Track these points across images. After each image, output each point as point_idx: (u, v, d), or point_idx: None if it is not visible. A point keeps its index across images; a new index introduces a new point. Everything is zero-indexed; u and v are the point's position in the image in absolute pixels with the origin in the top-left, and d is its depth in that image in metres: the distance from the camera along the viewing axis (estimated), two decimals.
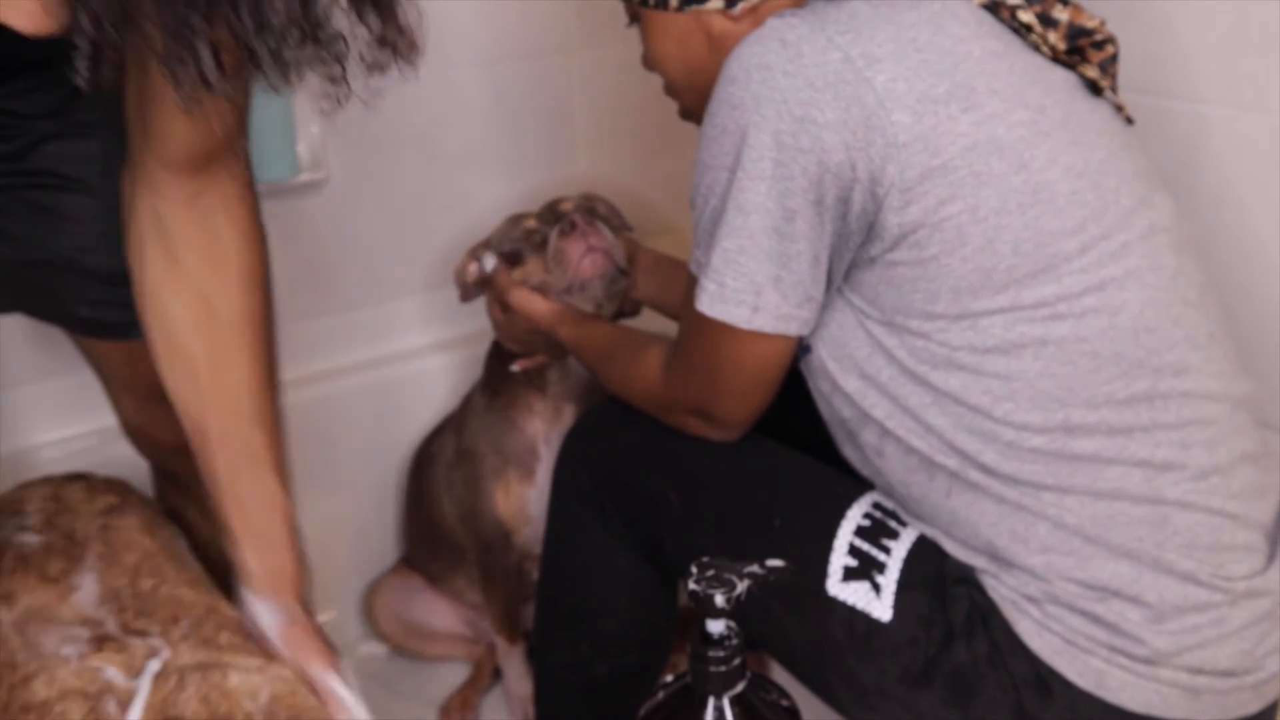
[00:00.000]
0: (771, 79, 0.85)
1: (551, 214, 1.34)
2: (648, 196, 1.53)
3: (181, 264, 0.90)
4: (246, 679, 0.86)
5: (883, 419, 0.95)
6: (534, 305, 1.29)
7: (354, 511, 1.65)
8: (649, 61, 1.06)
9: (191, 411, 0.93)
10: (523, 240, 1.32)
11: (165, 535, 1.09)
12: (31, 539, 1.02)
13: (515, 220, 1.37)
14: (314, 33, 0.69)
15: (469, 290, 1.41)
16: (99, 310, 1.08)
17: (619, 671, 1.19)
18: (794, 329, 0.93)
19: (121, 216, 0.93)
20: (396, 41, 0.72)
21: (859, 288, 0.93)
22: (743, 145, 0.87)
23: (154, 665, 0.87)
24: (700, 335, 0.96)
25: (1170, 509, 0.89)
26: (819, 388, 1.01)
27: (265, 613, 0.91)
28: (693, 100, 1.04)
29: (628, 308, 1.38)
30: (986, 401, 0.89)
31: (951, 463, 0.92)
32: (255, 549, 0.92)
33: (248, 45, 0.67)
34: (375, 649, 1.65)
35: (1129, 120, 0.99)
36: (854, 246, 0.90)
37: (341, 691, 0.89)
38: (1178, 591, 0.88)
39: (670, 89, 1.08)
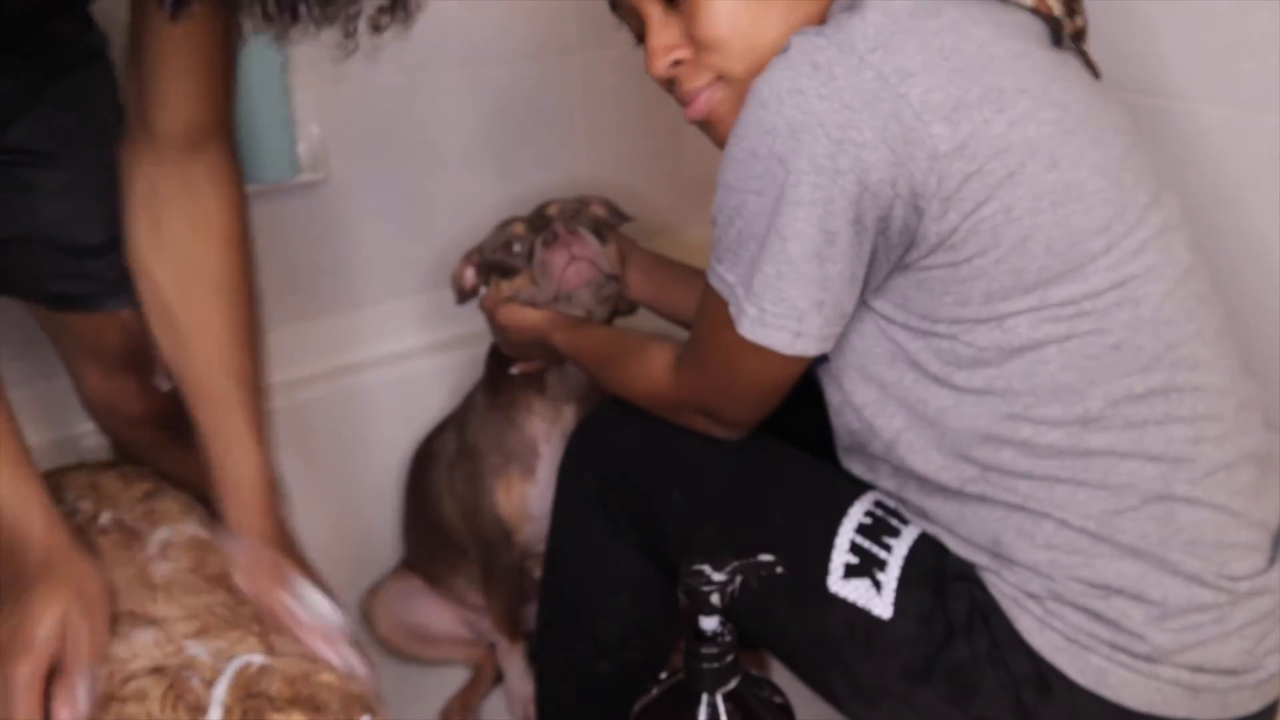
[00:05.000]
0: (805, 103, 0.84)
1: (540, 219, 1.34)
2: (647, 197, 1.53)
3: (166, 229, 0.96)
4: (335, 677, 0.88)
5: (900, 429, 0.95)
6: (524, 317, 1.30)
7: (353, 513, 1.65)
8: (708, 30, 0.95)
9: (178, 368, 1.00)
10: (510, 249, 1.33)
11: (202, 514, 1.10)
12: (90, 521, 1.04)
13: (504, 226, 1.37)
14: None
15: (465, 294, 1.42)
16: (69, 283, 1.11)
17: (620, 670, 1.19)
18: (828, 347, 0.94)
19: (91, 190, 1.00)
20: (403, 7, 0.78)
21: (885, 293, 0.93)
22: (778, 170, 0.86)
23: (245, 658, 0.88)
24: (725, 350, 0.96)
25: (1177, 505, 0.89)
26: (833, 397, 1.01)
27: (234, 551, 0.99)
28: (744, 71, 0.95)
29: (623, 307, 1.38)
30: (1009, 397, 0.89)
31: (967, 471, 0.92)
32: (230, 496, 0.99)
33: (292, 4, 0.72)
34: (374, 654, 1.64)
35: (1096, 75, 0.99)
36: (894, 259, 0.90)
37: (293, 605, 0.96)
38: (1182, 591, 0.88)
39: (710, 64, 0.97)
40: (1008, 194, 0.86)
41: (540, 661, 1.29)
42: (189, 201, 0.96)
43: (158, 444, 1.21)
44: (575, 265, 1.27)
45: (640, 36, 1.03)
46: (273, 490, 1.01)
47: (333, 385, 1.61)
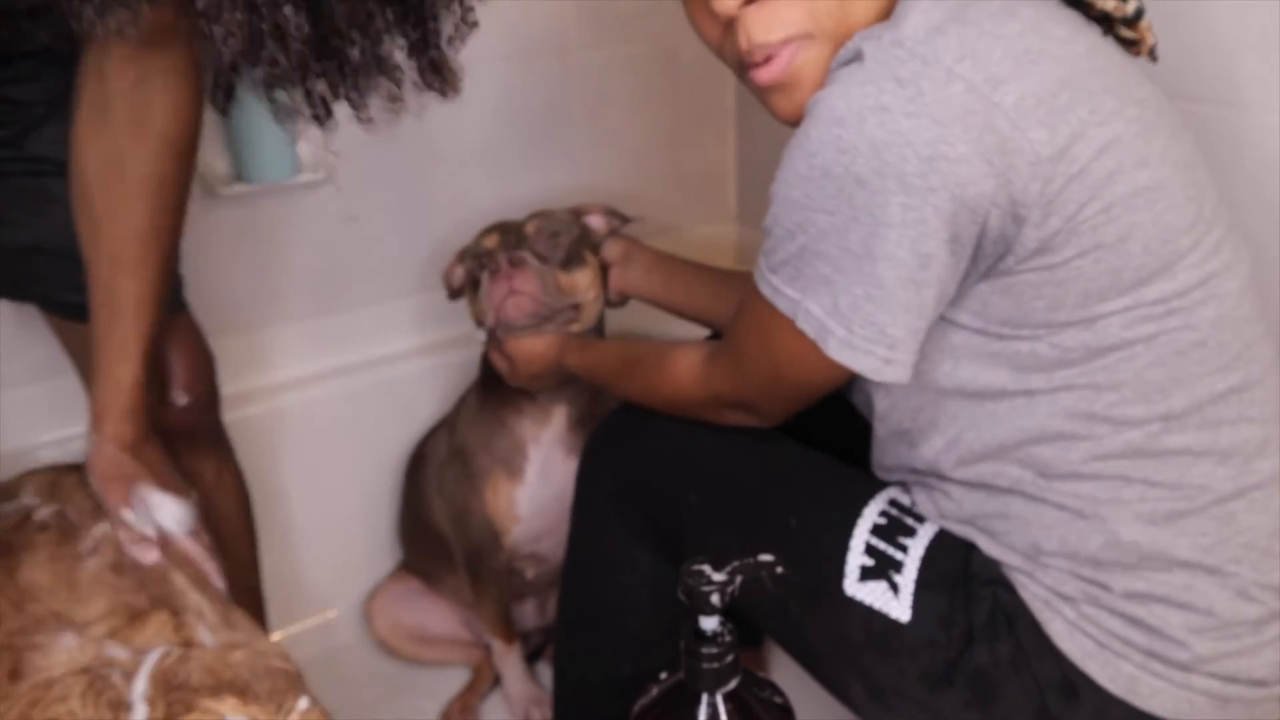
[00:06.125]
0: (891, 121, 0.80)
1: (517, 235, 1.34)
2: (647, 197, 1.53)
3: (107, 118, 0.96)
4: (247, 652, 0.88)
5: (959, 432, 0.93)
6: (532, 346, 1.31)
7: (351, 513, 1.66)
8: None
9: (86, 255, 1.01)
10: (481, 262, 1.35)
11: None
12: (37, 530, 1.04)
13: (486, 233, 1.38)
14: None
15: (455, 292, 1.44)
16: (84, 294, 1.09)
17: (642, 671, 1.18)
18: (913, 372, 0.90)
19: None
20: (442, 79, 0.79)
21: (962, 301, 0.89)
22: (855, 191, 0.81)
23: (162, 649, 0.89)
24: (772, 355, 0.93)
25: (1239, 506, 0.88)
26: (880, 403, 0.99)
27: (91, 454, 1.03)
28: (835, 29, 0.88)
29: (614, 299, 1.40)
30: (1090, 394, 0.87)
31: (1026, 475, 0.91)
32: (100, 394, 1.03)
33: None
34: (374, 654, 1.64)
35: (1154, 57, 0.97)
36: (983, 269, 0.87)
37: (129, 517, 1.00)
38: (1227, 600, 0.88)
39: (790, 16, 0.88)
40: (1108, 193, 0.83)
41: (560, 662, 1.28)
42: (135, 97, 0.95)
43: (168, 457, 1.21)
44: (514, 299, 1.28)
45: None
46: (139, 396, 1.03)
47: (331, 386, 1.61)
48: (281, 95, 0.88)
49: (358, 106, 0.88)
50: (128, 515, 1.00)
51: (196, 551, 1.02)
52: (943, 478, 0.96)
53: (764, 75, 0.90)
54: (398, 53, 0.85)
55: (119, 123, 0.96)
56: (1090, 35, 0.89)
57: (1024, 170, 0.81)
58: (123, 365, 1.02)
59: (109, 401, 1.02)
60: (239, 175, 1.45)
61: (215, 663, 0.87)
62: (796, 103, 0.89)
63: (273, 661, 0.89)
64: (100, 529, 1.03)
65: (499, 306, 1.28)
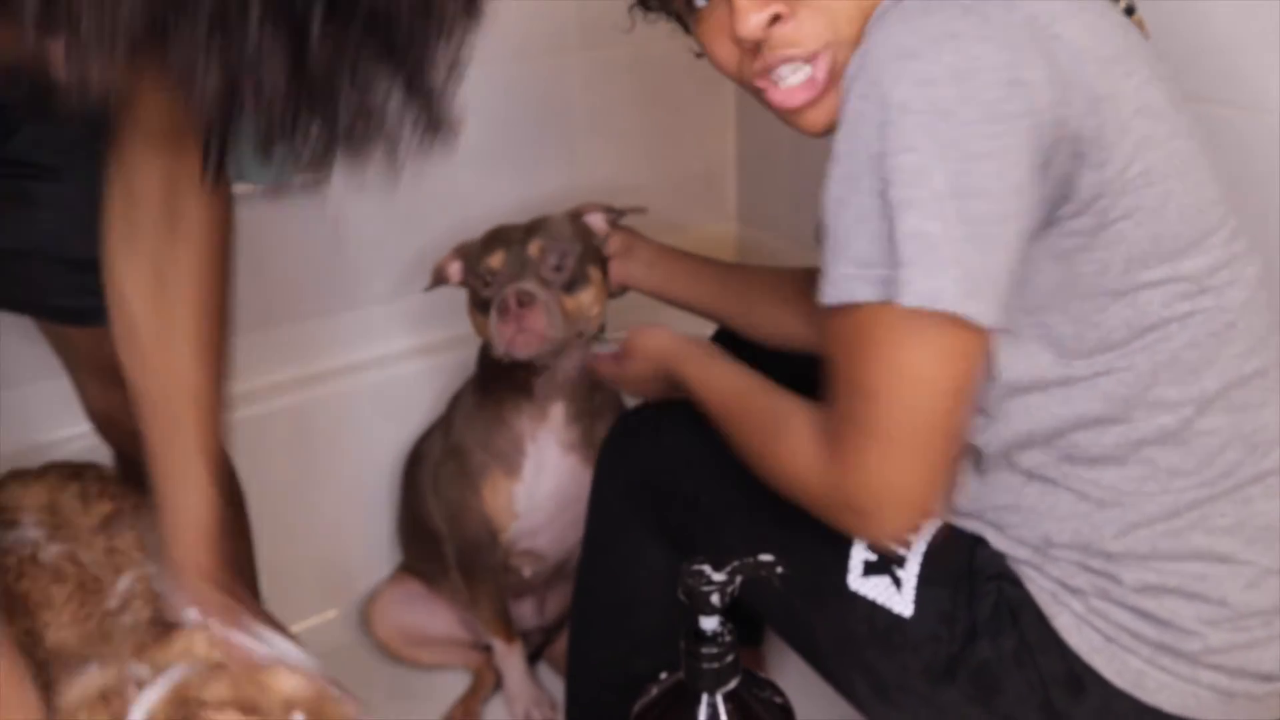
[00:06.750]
0: (965, 46, 0.77)
1: (520, 260, 1.33)
2: (647, 197, 1.53)
3: (140, 234, 0.92)
4: (279, 676, 0.86)
5: (980, 427, 0.92)
6: (656, 340, 1.17)
7: (350, 513, 1.66)
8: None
9: (135, 380, 0.95)
10: (484, 281, 1.35)
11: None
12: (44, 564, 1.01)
13: (492, 242, 1.37)
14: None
15: (440, 284, 1.43)
16: (70, 297, 1.09)
17: (657, 668, 1.19)
18: (1004, 319, 0.81)
19: (93, 203, 0.94)
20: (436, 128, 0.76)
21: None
22: (941, 124, 0.77)
23: (186, 667, 0.86)
24: (884, 354, 0.82)
25: (1255, 490, 0.89)
26: None
27: (187, 600, 0.94)
28: (855, 33, 0.87)
29: (614, 290, 1.40)
30: (1129, 378, 0.86)
31: (1050, 459, 0.90)
32: (175, 532, 0.95)
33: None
34: (374, 656, 1.64)
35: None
36: (1041, 217, 0.83)
37: (246, 639, 0.90)
38: (1239, 594, 0.88)
39: (820, 23, 0.88)
40: (1146, 156, 0.82)
41: (573, 659, 1.27)
42: (168, 210, 0.91)
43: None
44: (523, 336, 1.29)
45: (683, 21, 0.97)
46: (219, 527, 0.95)
47: (328, 386, 1.61)
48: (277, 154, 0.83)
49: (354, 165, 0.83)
50: (248, 640, 0.91)
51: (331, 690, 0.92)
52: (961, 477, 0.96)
53: (799, 97, 0.91)
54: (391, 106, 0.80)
55: (152, 239, 0.91)
56: (1119, 13, 0.89)
57: (1081, 104, 0.80)
58: (193, 499, 0.94)
59: (188, 544, 0.94)
60: (238, 175, 1.44)
61: (243, 680, 0.84)
62: (829, 109, 0.88)
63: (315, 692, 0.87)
64: (124, 583, 0.98)
65: (510, 343, 1.29)
